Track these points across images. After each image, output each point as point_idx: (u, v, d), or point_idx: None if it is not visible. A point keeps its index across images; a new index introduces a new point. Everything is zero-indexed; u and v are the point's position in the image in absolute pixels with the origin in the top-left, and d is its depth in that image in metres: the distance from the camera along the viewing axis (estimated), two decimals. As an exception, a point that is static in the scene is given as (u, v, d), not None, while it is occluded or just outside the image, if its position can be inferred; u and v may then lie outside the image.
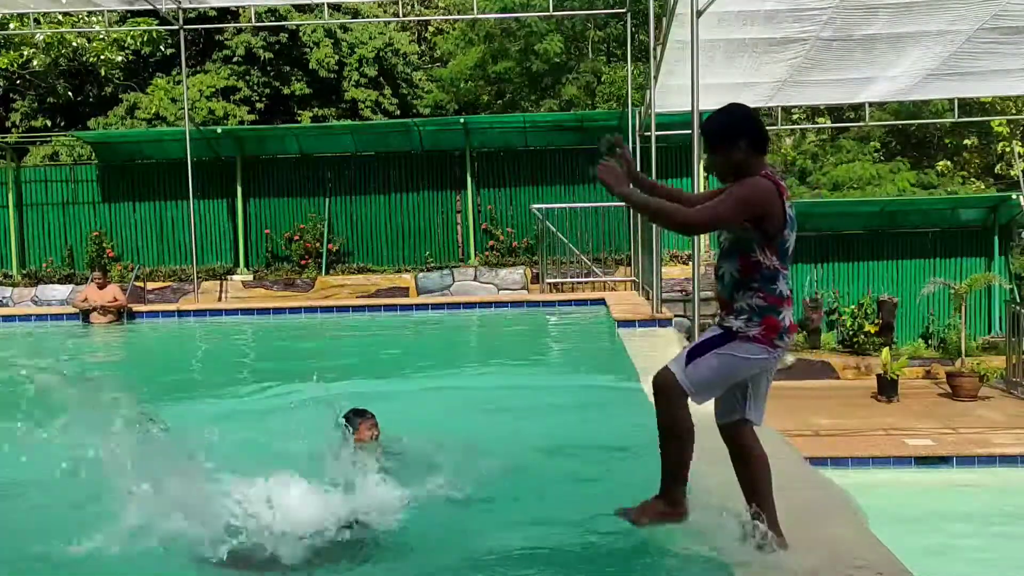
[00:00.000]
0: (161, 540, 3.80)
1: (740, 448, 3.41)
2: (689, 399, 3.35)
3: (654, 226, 10.68)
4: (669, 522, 3.48)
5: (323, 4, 15.55)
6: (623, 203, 3.43)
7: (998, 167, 20.71)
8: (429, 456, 5.28)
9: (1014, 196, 15.33)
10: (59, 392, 4.06)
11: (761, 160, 3.38)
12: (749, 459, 3.40)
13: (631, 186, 3.46)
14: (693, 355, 3.33)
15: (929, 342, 15.43)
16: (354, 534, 3.87)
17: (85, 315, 12.52)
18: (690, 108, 7.90)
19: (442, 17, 25.27)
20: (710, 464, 3.71)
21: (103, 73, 19.06)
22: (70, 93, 20.70)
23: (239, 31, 21.48)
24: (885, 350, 13.00)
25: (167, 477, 3.97)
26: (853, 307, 15.28)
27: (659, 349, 7.86)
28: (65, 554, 3.72)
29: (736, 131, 3.35)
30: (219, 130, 16.64)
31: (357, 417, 5.40)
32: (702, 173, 15.14)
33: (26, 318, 13.43)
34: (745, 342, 3.31)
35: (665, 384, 3.35)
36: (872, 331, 14.87)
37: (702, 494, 3.77)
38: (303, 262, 15.97)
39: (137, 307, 13.19)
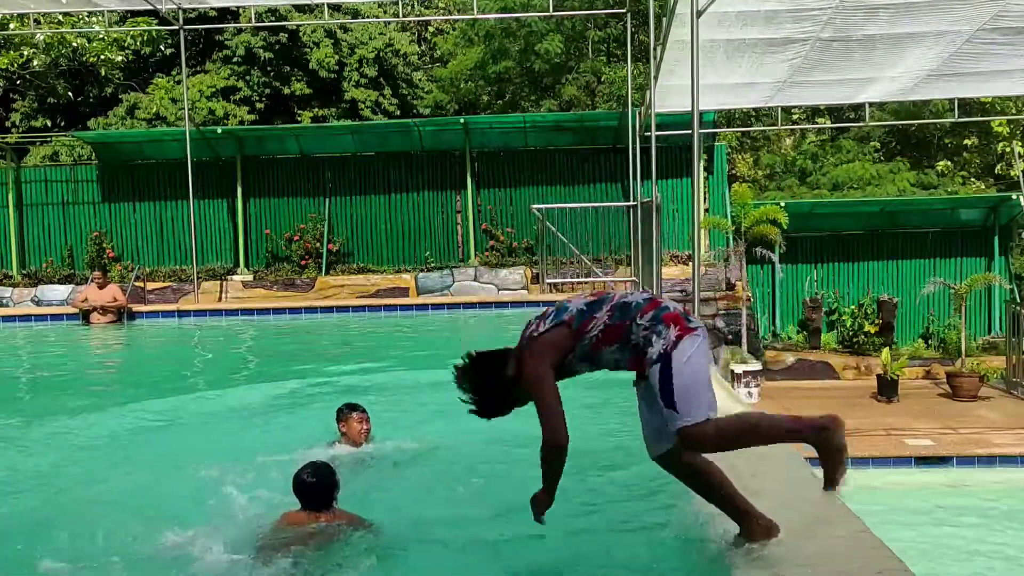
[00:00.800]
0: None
1: (685, 468, 3.38)
2: (697, 424, 3.20)
3: (654, 227, 10.68)
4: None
5: (323, 4, 15.54)
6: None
7: (998, 167, 20.70)
8: (417, 458, 5.28)
9: (1014, 196, 15.33)
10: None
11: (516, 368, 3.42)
12: (697, 473, 3.36)
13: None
14: (669, 399, 3.20)
15: (929, 342, 15.43)
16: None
17: (85, 315, 12.51)
18: (690, 108, 7.89)
19: (442, 17, 25.25)
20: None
21: (103, 73, 19.06)
22: (70, 93, 20.69)
23: (239, 31, 21.47)
24: (885, 350, 13.01)
25: None
26: (853, 307, 15.29)
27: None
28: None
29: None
30: (219, 130, 16.63)
31: (349, 410, 5.45)
32: (702, 173, 15.17)
33: (26, 318, 13.42)
34: (675, 349, 3.22)
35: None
36: (872, 331, 14.88)
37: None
38: (303, 262, 15.96)
39: (137, 307, 13.19)
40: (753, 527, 3.36)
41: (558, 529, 3.93)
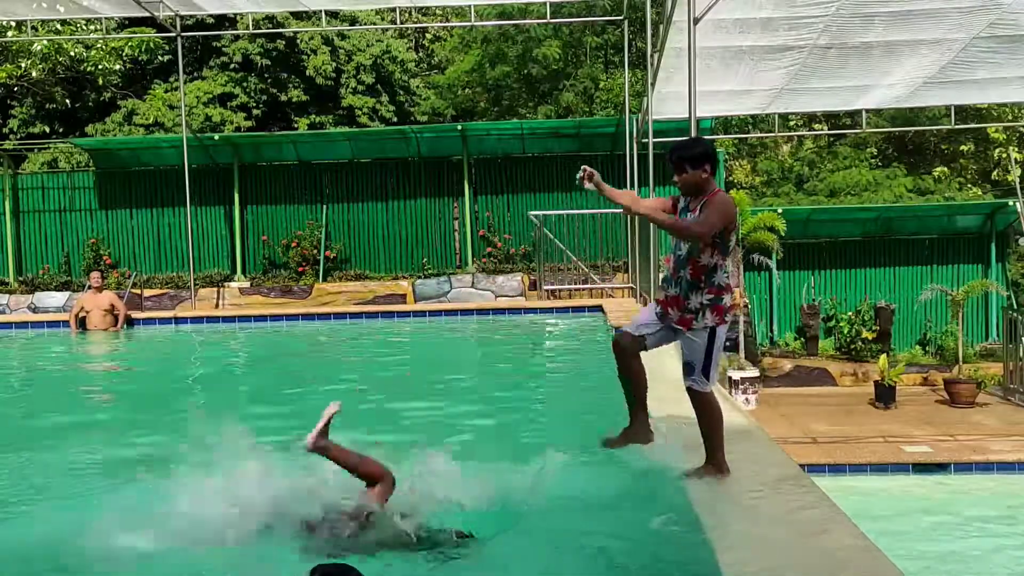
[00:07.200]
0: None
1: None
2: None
3: (651, 233, 10.69)
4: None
5: (320, 11, 15.57)
6: (632, 215, 4.66)
7: (994, 173, 20.76)
8: None
9: (1011, 203, 15.36)
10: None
11: (712, 179, 4.31)
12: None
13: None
14: (708, 368, 4.29)
15: (926, 349, 15.45)
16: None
17: (82, 322, 12.50)
18: (687, 115, 7.90)
19: (440, 24, 25.27)
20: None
21: (100, 82, 19.07)
22: (68, 100, 20.69)
23: (236, 38, 21.49)
24: (883, 357, 13.03)
25: None
26: (850, 314, 15.30)
27: (656, 356, 7.82)
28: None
29: (704, 157, 4.24)
30: (216, 137, 16.63)
31: None
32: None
33: (23, 325, 13.40)
34: (715, 328, 4.27)
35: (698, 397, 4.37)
36: (870, 338, 14.89)
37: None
38: (300, 269, 15.95)
39: (134, 314, 13.17)
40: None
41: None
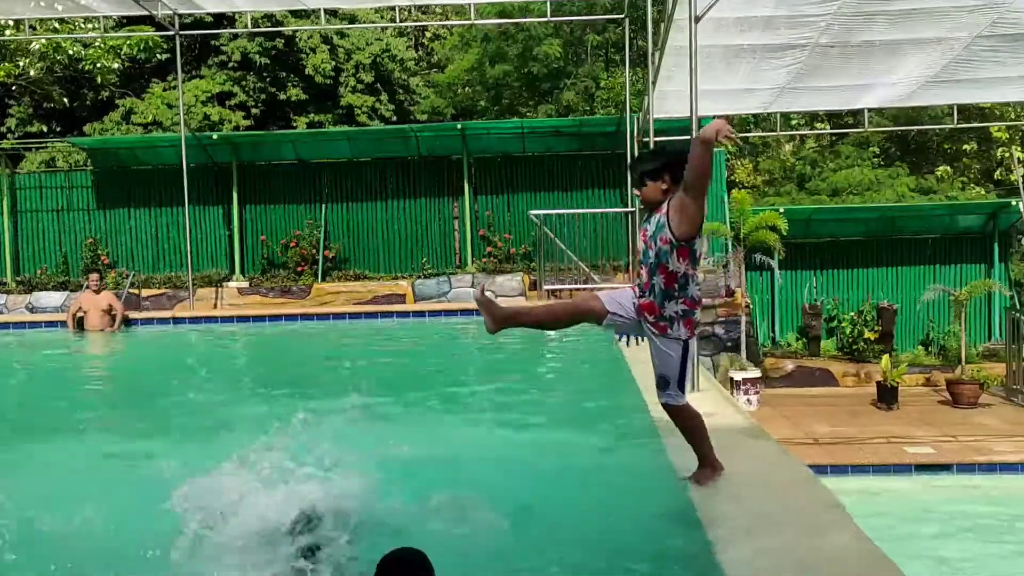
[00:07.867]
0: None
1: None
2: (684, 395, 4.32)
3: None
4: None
5: (320, 10, 15.50)
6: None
7: (997, 173, 20.69)
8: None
9: (1014, 202, 15.30)
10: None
11: (676, 188, 4.12)
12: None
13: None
14: (682, 382, 4.22)
15: (929, 349, 15.39)
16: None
17: (80, 323, 12.45)
18: (689, 114, 7.83)
19: (439, 22, 25.22)
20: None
21: (99, 80, 19.03)
22: (66, 99, 20.65)
23: (235, 36, 21.45)
24: (885, 357, 12.97)
25: None
26: (853, 314, 15.24)
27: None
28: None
29: (662, 169, 4.12)
30: (215, 136, 16.56)
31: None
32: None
33: (20, 325, 13.35)
34: (688, 340, 4.22)
35: (675, 411, 4.31)
36: (872, 338, 14.83)
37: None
38: (299, 269, 15.88)
39: (132, 314, 13.13)
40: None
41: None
